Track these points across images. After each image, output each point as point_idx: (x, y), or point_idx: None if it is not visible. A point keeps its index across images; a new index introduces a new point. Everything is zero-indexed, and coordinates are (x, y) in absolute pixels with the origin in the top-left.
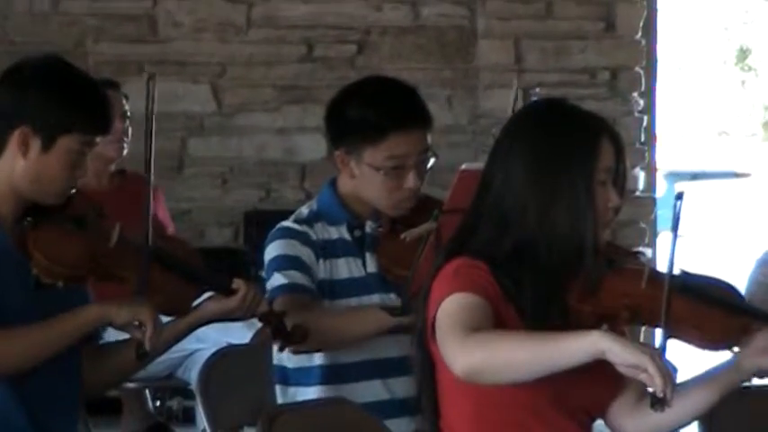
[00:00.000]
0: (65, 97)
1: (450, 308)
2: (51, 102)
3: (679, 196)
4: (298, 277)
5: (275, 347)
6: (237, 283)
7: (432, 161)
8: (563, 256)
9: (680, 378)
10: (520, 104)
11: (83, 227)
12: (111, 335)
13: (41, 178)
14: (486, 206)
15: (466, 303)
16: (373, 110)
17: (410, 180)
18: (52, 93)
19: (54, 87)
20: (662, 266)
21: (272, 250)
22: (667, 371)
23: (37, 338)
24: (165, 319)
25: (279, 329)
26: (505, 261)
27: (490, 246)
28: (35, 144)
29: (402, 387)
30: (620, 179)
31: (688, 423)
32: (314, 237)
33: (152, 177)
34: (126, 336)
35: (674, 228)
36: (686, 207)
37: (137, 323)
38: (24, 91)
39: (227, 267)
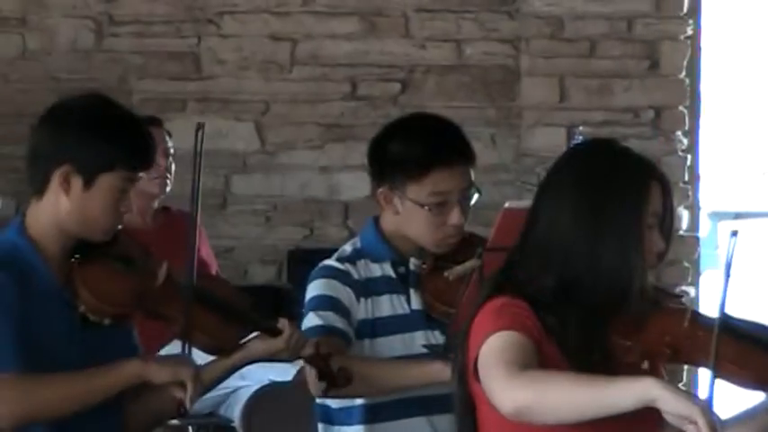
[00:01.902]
0: (104, 134)
1: (496, 346)
2: (91, 139)
3: (734, 233)
4: (333, 319)
5: (315, 391)
6: (282, 324)
7: (475, 197)
8: (609, 296)
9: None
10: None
11: (130, 265)
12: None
13: (86, 216)
14: (532, 243)
15: (512, 341)
16: (416, 145)
17: (454, 216)
18: (92, 130)
19: (94, 124)
20: (705, 305)
21: (312, 290)
22: (715, 425)
23: (77, 389)
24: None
25: (324, 371)
26: (549, 299)
27: (533, 283)
28: (77, 182)
29: (447, 424)
30: (666, 224)
31: None
32: (356, 275)
33: (198, 220)
34: None
35: (728, 266)
36: (741, 245)
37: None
38: (65, 129)
39: (271, 306)
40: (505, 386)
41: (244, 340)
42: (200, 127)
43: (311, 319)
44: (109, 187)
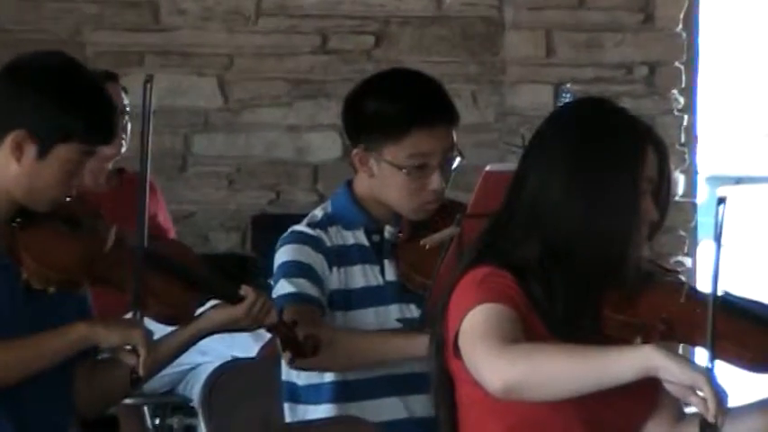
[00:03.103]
0: (64, 102)
1: (479, 320)
2: (49, 106)
3: (721, 201)
4: (306, 287)
5: (284, 361)
6: (245, 290)
7: (458, 161)
8: (602, 262)
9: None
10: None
11: (77, 229)
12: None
13: (34, 187)
14: (518, 207)
15: (496, 315)
16: (396, 104)
17: (434, 181)
18: (51, 96)
19: (53, 90)
20: (702, 277)
21: (281, 255)
22: (721, 394)
23: (22, 354)
24: (166, 328)
25: (289, 340)
26: (535, 265)
27: (519, 250)
28: (30, 150)
29: (422, 405)
30: (663, 193)
31: None
32: (328, 242)
33: (147, 182)
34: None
35: (717, 237)
36: (729, 213)
37: (129, 347)
38: (22, 91)
39: (233, 275)
40: (493, 363)
41: (202, 309)
42: (148, 79)
43: (283, 286)
44: (64, 159)
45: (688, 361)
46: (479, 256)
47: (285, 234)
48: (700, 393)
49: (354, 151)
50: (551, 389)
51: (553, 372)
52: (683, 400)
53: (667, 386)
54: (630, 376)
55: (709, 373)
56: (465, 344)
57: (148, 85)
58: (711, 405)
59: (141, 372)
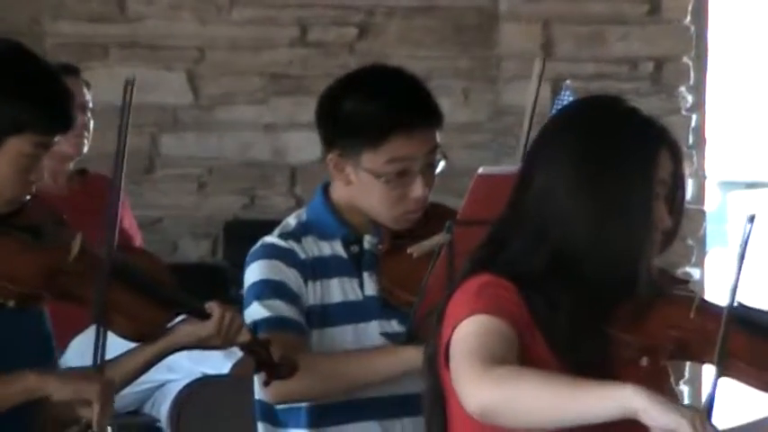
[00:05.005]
0: (14, 91)
1: (469, 332)
2: None
3: (751, 219)
4: (282, 309)
5: (258, 381)
6: (210, 307)
7: (441, 164)
8: (613, 278)
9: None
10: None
11: (38, 237)
12: (117, 347)
13: None
14: (521, 215)
15: (487, 328)
16: (373, 105)
17: (416, 188)
18: (0, 86)
19: (2, 79)
20: (712, 289)
21: (251, 274)
22: None
23: None
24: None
25: (264, 360)
26: (540, 278)
27: (524, 258)
28: None
29: (402, 429)
30: (677, 200)
31: None
32: (302, 255)
33: (120, 193)
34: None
35: (741, 255)
36: (759, 231)
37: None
38: None
39: (204, 286)
40: (473, 382)
41: (169, 324)
42: (130, 81)
43: (256, 311)
44: (17, 152)
45: (671, 404)
46: (478, 264)
47: (255, 247)
48: None
49: (329, 156)
50: (527, 419)
51: (531, 403)
52: None
53: (652, 429)
54: (609, 416)
55: (693, 416)
56: (453, 356)
57: (129, 87)
58: None
59: (95, 428)
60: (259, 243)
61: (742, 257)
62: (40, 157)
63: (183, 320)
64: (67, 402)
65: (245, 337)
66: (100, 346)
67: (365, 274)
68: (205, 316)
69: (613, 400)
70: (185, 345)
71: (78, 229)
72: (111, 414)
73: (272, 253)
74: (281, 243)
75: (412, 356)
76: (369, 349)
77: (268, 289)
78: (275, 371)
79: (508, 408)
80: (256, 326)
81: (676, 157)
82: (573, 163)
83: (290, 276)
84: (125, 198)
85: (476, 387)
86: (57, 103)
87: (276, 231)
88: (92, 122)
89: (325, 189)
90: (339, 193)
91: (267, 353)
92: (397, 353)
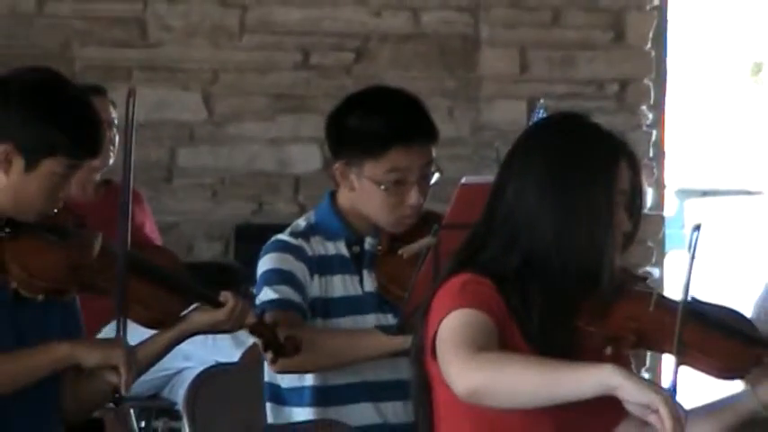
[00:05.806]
0: (50, 117)
1: (454, 324)
2: (35, 121)
3: (697, 228)
4: (289, 293)
5: (266, 361)
6: (225, 296)
7: (436, 176)
8: (578, 276)
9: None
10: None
11: (64, 237)
12: (138, 335)
13: (21, 198)
14: (496, 219)
15: (471, 320)
16: (376, 121)
17: (412, 196)
18: (37, 111)
19: (39, 105)
20: (670, 287)
21: (264, 264)
22: (678, 414)
23: (6, 370)
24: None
25: (270, 341)
26: (514, 278)
27: (499, 259)
28: (18, 163)
29: (395, 411)
30: (636, 205)
31: None
32: (309, 252)
33: (130, 192)
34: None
35: (691, 259)
36: (705, 236)
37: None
38: (9, 106)
39: (217, 283)
40: (460, 366)
41: (184, 312)
42: (131, 93)
43: (266, 294)
44: (50, 173)
45: (646, 382)
46: (460, 264)
47: (268, 243)
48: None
49: (335, 165)
50: (511, 397)
51: (516, 382)
52: (641, 418)
53: (627, 405)
54: (590, 393)
55: (665, 394)
56: (440, 346)
57: (131, 99)
58: (668, 424)
59: (123, 391)
60: (272, 239)
61: (692, 260)
62: (69, 177)
63: (197, 308)
64: (93, 370)
65: (252, 319)
66: (121, 329)
67: (365, 272)
68: (218, 304)
69: (594, 378)
70: (200, 330)
71: (104, 232)
72: (136, 379)
73: (284, 247)
74: (292, 240)
75: (398, 341)
76: (364, 329)
77: (278, 276)
78: (281, 349)
79: (493, 388)
80: (265, 307)
81: (634, 168)
82: (540, 174)
83: (298, 269)
84: (146, 205)
85: (463, 371)
86: (87, 130)
87: (288, 230)
88: (117, 137)
89: (333, 195)
90: (344, 198)
91: (273, 333)
92: (379, 337)
